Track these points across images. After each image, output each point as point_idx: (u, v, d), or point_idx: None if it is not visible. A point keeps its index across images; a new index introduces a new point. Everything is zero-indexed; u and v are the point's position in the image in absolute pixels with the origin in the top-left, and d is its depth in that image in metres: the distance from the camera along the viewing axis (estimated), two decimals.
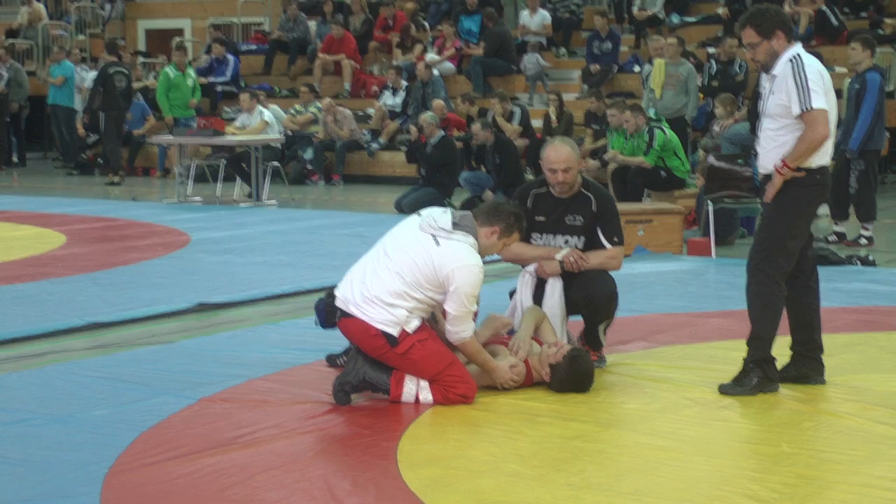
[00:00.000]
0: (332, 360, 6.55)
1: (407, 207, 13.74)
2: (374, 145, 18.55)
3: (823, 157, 5.96)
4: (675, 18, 19.90)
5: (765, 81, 6.09)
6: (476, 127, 14.33)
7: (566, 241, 6.52)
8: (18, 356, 7.00)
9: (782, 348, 6.17)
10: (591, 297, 6.40)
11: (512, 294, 6.71)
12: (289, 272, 9.83)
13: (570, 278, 6.45)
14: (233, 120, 16.98)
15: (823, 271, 6.53)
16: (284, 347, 7.03)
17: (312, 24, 22.10)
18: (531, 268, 6.54)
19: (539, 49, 19.48)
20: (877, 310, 8.28)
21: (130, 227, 12.87)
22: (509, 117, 16.31)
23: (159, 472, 4.79)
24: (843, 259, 10.18)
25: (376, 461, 4.98)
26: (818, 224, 11.68)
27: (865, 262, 10.19)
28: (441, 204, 12.82)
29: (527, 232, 6.41)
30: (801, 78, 5.81)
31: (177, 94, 17.88)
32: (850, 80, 11.77)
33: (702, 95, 16.03)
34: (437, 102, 16.50)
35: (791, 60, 5.87)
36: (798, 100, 5.80)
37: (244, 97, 16.61)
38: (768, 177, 5.99)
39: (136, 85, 20.84)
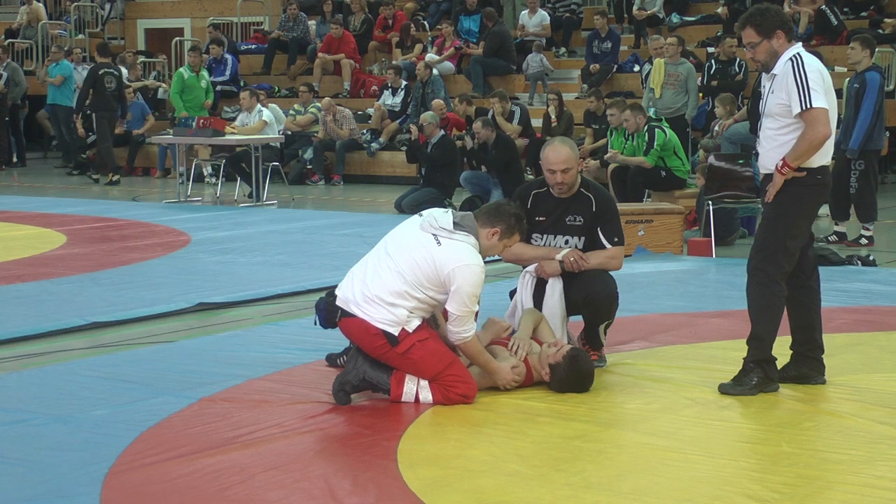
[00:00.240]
0: (332, 360, 6.55)
1: (407, 207, 13.75)
2: (374, 145, 18.55)
3: (824, 156, 5.95)
4: (675, 18, 19.90)
5: (765, 81, 6.08)
6: (477, 125, 14.34)
7: (566, 242, 6.52)
8: (18, 356, 7.00)
9: (782, 348, 6.16)
10: (592, 298, 6.40)
11: (512, 294, 6.71)
12: (289, 272, 9.83)
13: (571, 278, 6.44)
14: (233, 119, 16.97)
15: (824, 271, 6.53)
16: (284, 347, 7.02)
17: (312, 24, 22.11)
18: (531, 268, 6.54)
19: (541, 50, 19.48)
20: (877, 310, 8.28)
21: (130, 227, 12.86)
22: (509, 117, 16.32)
23: (159, 472, 4.79)
24: (843, 259, 10.17)
25: (376, 461, 4.98)
26: (818, 224, 11.68)
27: (866, 262, 10.18)
28: (441, 204, 12.83)
29: (527, 232, 6.41)
30: (801, 77, 5.81)
31: (190, 95, 17.75)
32: (849, 79, 11.77)
33: (701, 95, 16.03)
34: (437, 102, 16.49)
35: (791, 60, 5.87)
36: (798, 99, 5.80)
37: (244, 95, 16.60)
38: (769, 176, 5.98)
39: (135, 85, 20.88)
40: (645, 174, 12.50)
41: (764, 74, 6.11)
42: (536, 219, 6.53)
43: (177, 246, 11.40)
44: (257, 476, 4.74)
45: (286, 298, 8.83)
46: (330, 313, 5.91)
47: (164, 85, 21.93)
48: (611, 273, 6.50)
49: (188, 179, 16.17)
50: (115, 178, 18.58)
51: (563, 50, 20.62)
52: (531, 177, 15.01)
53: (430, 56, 19.80)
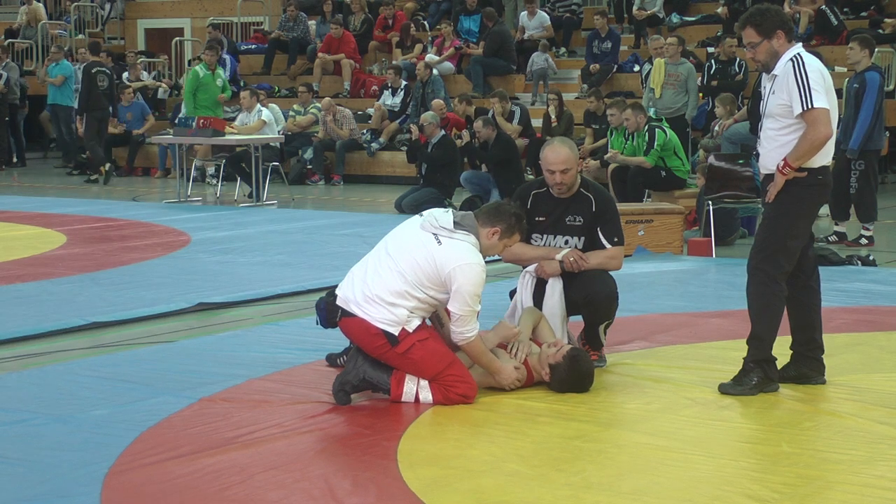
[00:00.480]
0: (332, 359, 6.55)
1: (407, 207, 13.75)
2: (374, 145, 18.55)
3: (825, 156, 5.95)
4: (675, 18, 19.90)
5: (765, 81, 6.08)
6: (478, 124, 14.35)
7: (566, 242, 6.51)
8: (18, 356, 7.00)
9: (782, 348, 6.16)
10: (592, 298, 6.40)
11: (512, 294, 6.71)
12: (289, 272, 9.83)
13: (571, 278, 6.44)
14: (232, 119, 16.97)
15: (824, 271, 6.53)
16: (284, 347, 7.02)
17: (312, 24, 22.11)
18: (531, 268, 6.54)
19: (546, 49, 19.48)
20: (877, 310, 8.28)
21: (130, 227, 12.86)
22: (509, 117, 16.32)
23: (159, 472, 4.79)
24: (843, 259, 10.17)
25: (376, 461, 4.98)
26: (819, 224, 11.68)
27: (866, 262, 10.18)
28: (441, 204, 12.82)
29: (527, 232, 6.41)
30: (802, 78, 5.81)
31: (205, 94, 17.36)
32: (849, 79, 11.77)
33: (701, 95, 16.03)
34: (437, 102, 16.49)
35: (792, 60, 5.87)
36: (800, 99, 5.80)
37: (244, 95, 16.60)
38: (770, 176, 5.98)
39: (135, 85, 20.87)
40: (645, 174, 12.50)
41: (764, 75, 6.11)
42: (536, 219, 6.53)
43: (177, 246, 11.40)
44: (257, 476, 4.74)
45: (286, 298, 8.83)
46: (330, 313, 5.91)
47: (164, 85, 21.94)
48: (611, 273, 6.50)
49: (188, 179, 16.17)
50: (108, 166, 18.57)
51: (563, 50, 20.61)
52: (531, 177, 15.01)
53: (430, 56, 19.80)
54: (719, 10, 19.39)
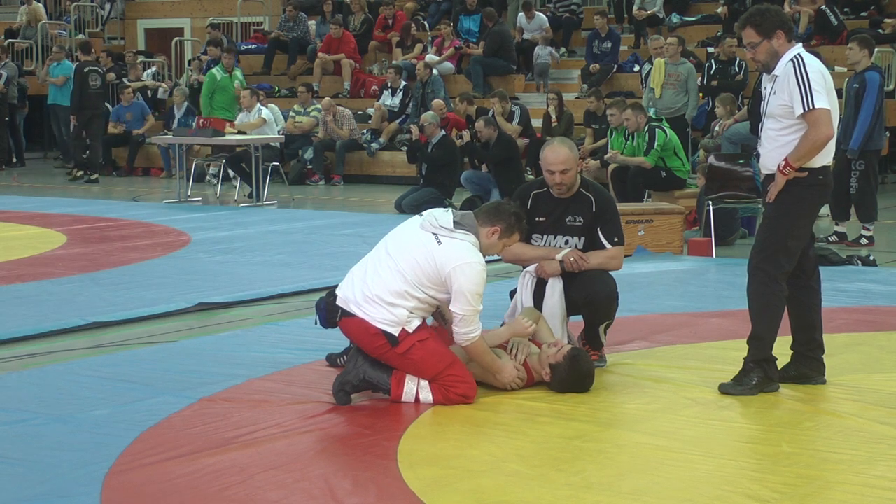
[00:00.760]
0: (332, 359, 6.55)
1: (407, 207, 13.75)
2: (374, 145, 18.55)
3: (826, 156, 5.95)
4: (675, 18, 19.90)
5: (766, 82, 6.08)
6: (480, 124, 14.35)
7: (566, 242, 6.51)
8: (18, 356, 7.00)
9: (783, 348, 6.16)
10: (592, 298, 6.40)
11: (512, 294, 6.71)
12: (289, 272, 9.83)
13: (571, 278, 6.44)
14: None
15: (824, 271, 6.53)
16: (284, 347, 7.02)
17: (312, 24, 22.10)
18: (531, 268, 6.54)
19: (548, 43, 19.49)
20: (877, 310, 8.28)
21: (130, 227, 12.86)
22: (509, 117, 16.31)
23: (159, 472, 4.79)
24: (843, 259, 10.17)
25: (376, 461, 4.98)
26: (819, 224, 11.67)
27: (866, 262, 10.18)
28: (441, 204, 12.82)
29: (527, 232, 6.41)
30: (803, 78, 5.80)
31: (222, 96, 17.23)
32: (849, 79, 11.77)
33: (701, 95, 16.03)
34: (437, 102, 16.49)
35: (793, 60, 5.87)
36: (801, 100, 5.80)
37: (245, 95, 16.59)
38: (770, 177, 5.98)
39: (135, 85, 20.87)
40: (645, 174, 12.50)
41: (765, 75, 6.11)
42: (536, 219, 6.53)
43: (177, 246, 11.40)
44: (257, 476, 4.74)
45: (286, 298, 8.83)
46: (330, 313, 5.91)
47: (163, 85, 21.93)
48: (611, 273, 6.50)
49: (188, 179, 16.17)
50: (80, 173, 18.82)
51: (563, 50, 20.61)
52: (531, 177, 15.01)
53: (430, 56, 19.79)
54: (719, 10, 19.39)
